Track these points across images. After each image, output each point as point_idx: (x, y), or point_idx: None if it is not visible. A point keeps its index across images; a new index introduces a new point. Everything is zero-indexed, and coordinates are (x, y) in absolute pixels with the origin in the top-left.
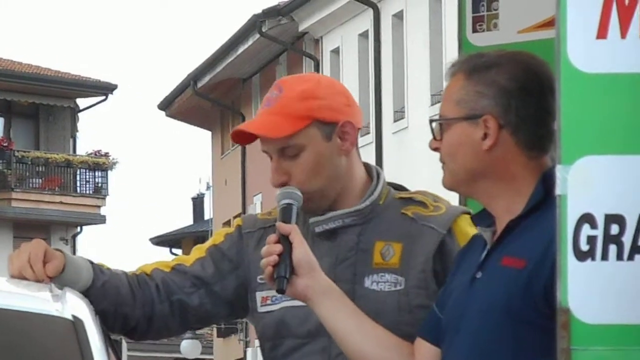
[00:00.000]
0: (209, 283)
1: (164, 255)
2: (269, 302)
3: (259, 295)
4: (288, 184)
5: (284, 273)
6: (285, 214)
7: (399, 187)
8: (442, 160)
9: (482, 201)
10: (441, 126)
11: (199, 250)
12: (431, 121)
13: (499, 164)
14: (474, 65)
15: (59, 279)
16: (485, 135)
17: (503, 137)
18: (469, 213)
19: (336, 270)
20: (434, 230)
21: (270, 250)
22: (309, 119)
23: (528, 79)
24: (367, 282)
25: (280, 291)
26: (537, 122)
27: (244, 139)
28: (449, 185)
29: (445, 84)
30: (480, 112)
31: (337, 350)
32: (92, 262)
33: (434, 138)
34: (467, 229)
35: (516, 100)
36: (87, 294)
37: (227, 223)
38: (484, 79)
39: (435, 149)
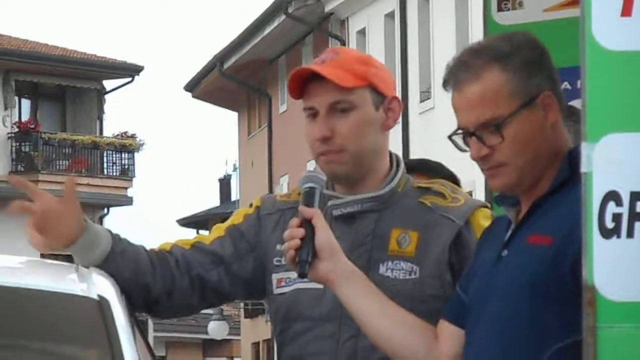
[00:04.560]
0: (228, 262)
1: (191, 237)
2: (283, 284)
3: (275, 277)
4: (330, 140)
5: (306, 257)
6: (308, 197)
7: (420, 162)
8: (498, 163)
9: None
10: (497, 128)
11: (218, 230)
12: (489, 125)
13: (558, 139)
14: (502, 53)
15: (77, 243)
16: (546, 114)
17: (558, 110)
18: (486, 207)
19: (351, 255)
20: (451, 221)
21: (293, 234)
22: (366, 80)
23: (549, 53)
24: (382, 269)
25: (302, 275)
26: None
27: (294, 89)
28: (511, 185)
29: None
30: (536, 92)
31: (346, 337)
32: (110, 232)
33: (485, 145)
34: (484, 223)
35: (554, 72)
36: (107, 259)
37: None
38: (523, 60)
39: (485, 157)
